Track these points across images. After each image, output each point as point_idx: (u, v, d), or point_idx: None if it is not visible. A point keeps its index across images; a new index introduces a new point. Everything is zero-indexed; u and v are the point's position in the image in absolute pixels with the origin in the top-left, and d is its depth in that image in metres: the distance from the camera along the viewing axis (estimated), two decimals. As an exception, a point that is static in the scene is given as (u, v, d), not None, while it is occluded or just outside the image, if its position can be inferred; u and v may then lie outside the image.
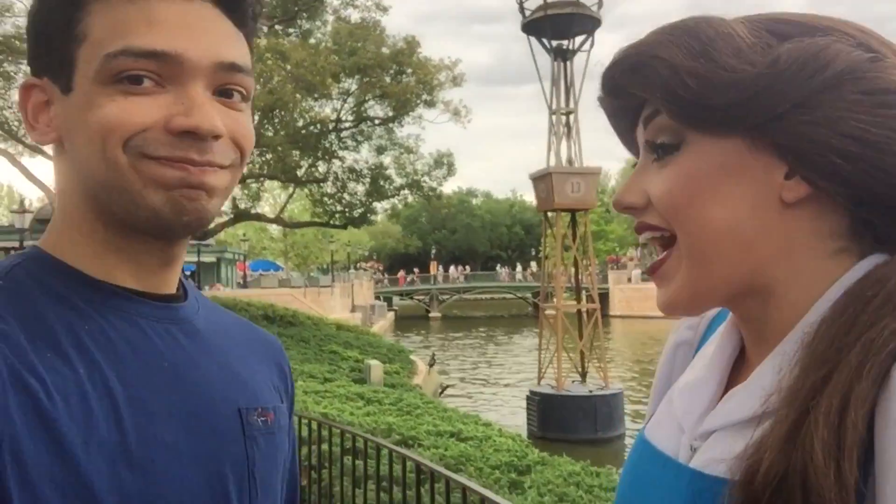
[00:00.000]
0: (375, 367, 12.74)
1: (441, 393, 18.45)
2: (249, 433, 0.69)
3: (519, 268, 63.02)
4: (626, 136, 0.66)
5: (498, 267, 63.85)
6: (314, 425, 5.02)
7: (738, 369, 0.63)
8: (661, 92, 0.56)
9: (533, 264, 63.59)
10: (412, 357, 18.91)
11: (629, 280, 46.82)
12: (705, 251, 0.56)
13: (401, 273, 59.53)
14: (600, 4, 16.99)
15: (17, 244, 19.21)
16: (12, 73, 15.30)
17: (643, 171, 0.60)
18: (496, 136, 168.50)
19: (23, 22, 13.72)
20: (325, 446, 4.80)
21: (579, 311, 16.68)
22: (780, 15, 0.58)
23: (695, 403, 0.62)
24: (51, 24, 0.64)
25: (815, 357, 0.49)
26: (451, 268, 61.68)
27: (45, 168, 24.72)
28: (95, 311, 0.63)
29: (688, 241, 0.56)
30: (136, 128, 0.61)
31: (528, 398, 15.75)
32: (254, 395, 0.72)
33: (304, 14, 18.40)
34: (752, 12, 0.60)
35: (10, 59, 15.19)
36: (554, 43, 17.03)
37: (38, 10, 0.66)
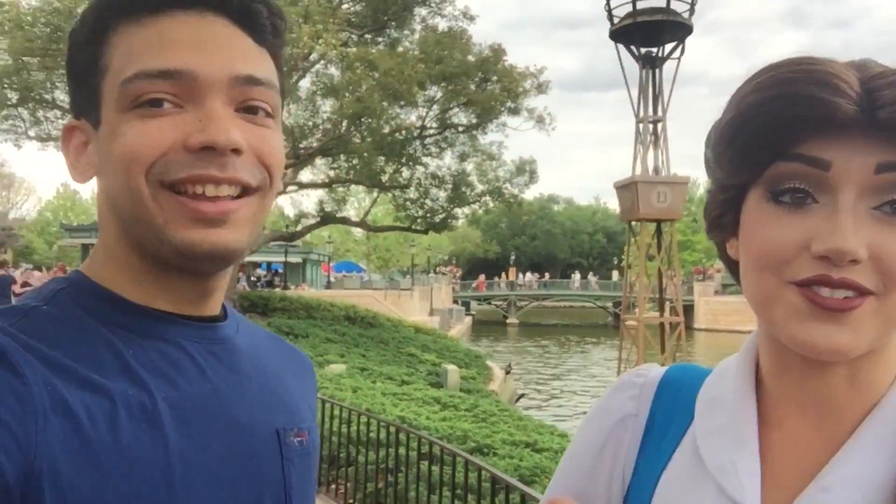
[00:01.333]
0: (452, 371, 12.85)
1: (517, 401, 18.39)
2: (287, 455, 0.68)
3: (590, 276, 61.78)
4: (763, 141, 0.57)
5: (573, 275, 62.83)
6: (392, 429, 5.16)
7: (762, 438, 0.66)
8: None
9: (615, 273, 62.35)
10: (488, 363, 18.96)
11: (715, 292, 45.12)
12: None
13: (480, 278, 59.62)
14: (692, 11, 16.56)
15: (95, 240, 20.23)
16: None
17: (858, 220, 0.55)
18: (580, 143, 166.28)
19: None
20: (401, 450, 4.91)
21: (662, 324, 16.29)
22: None
23: (752, 490, 0.63)
24: (80, 63, 0.64)
25: None
26: (527, 274, 61.37)
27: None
28: (139, 335, 0.62)
29: None
30: (157, 151, 0.60)
31: (605, 411, 15.51)
32: (290, 416, 0.71)
33: (393, 24, 18.83)
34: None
35: None
36: (643, 50, 16.74)
37: (69, 52, 0.65)
